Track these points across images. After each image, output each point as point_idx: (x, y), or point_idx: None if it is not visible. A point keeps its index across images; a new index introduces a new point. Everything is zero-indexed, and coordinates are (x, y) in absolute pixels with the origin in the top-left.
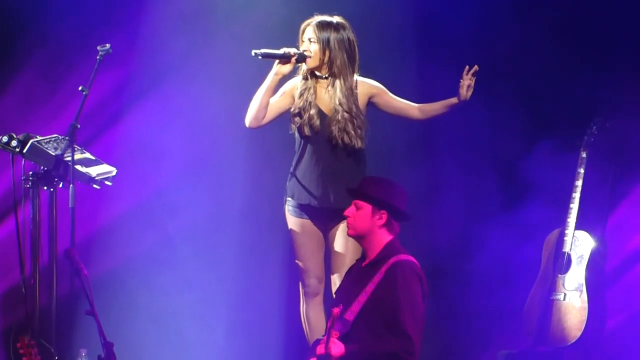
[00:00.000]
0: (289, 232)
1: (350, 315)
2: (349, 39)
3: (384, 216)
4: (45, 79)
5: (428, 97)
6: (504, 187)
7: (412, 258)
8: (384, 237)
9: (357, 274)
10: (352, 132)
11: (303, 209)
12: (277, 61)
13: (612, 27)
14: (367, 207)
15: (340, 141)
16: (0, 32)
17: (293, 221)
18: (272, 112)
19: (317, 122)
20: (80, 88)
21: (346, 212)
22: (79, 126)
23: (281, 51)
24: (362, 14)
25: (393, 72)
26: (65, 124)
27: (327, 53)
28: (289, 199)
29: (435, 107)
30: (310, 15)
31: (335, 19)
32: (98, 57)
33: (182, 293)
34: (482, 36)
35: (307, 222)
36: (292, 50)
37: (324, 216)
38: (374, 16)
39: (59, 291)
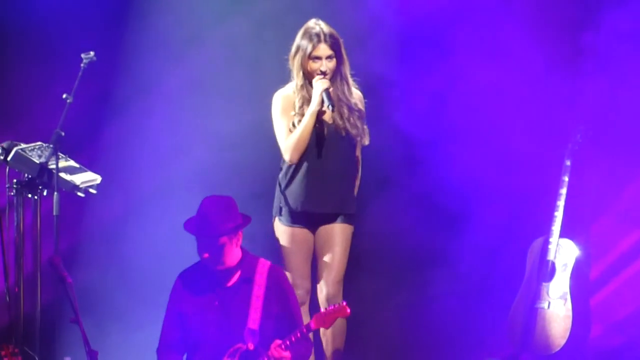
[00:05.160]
0: (278, 242)
1: (253, 324)
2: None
3: (240, 236)
4: (30, 86)
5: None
6: (488, 190)
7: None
8: (239, 251)
9: (225, 294)
10: (360, 126)
11: (295, 217)
12: (320, 103)
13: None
14: (224, 240)
15: (344, 132)
16: None
17: (283, 230)
18: None
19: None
20: (64, 96)
21: (206, 254)
22: (63, 133)
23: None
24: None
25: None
26: (49, 132)
27: (340, 63)
28: (280, 207)
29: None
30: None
31: (328, 26)
32: (82, 65)
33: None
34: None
35: (298, 230)
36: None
37: (318, 221)
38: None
39: (43, 299)
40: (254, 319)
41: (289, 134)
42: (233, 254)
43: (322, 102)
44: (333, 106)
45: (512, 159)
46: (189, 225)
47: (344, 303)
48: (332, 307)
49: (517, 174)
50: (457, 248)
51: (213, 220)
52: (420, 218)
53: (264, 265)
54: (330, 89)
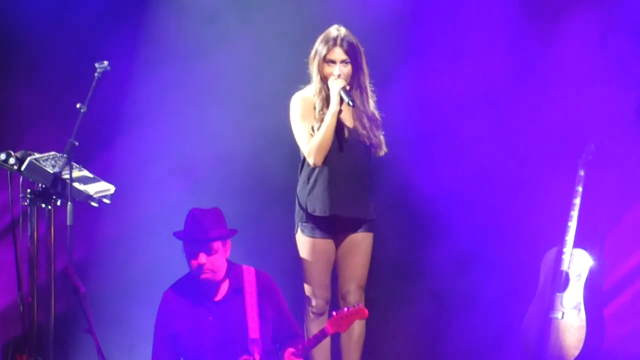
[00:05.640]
0: (299, 253)
1: (254, 334)
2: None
3: (229, 246)
4: (43, 96)
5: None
6: (502, 201)
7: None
8: (225, 262)
9: (218, 308)
10: (379, 136)
11: (320, 225)
12: (341, 101)
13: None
14: (218, 247)
15: (367, 141)
16: None
17: (305, 241)
18: None
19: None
20: (78, 105)
21: (200, 262)
22: (77, 143)
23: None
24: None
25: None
26: (63, 142)
27: (357, 71)
28: (304, 215)
29: None
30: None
31: (349, 32)
32: (96, 74)
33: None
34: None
35: (320, 241)
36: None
37: (342, 229)
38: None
39: (57, 309)
40: (253, 329)
41: (311, 137)
42: (223, 263)
43: (341, 101)
44: (353, 102)
45: (525, 169)
46: (180, 233)
47: (360, 305)
48: (348, 309)
49: (530, 184)
50: (468, 258)
51: (206, 225)
52: (432, 228)
53: (249, 273)
54: (347, 87)
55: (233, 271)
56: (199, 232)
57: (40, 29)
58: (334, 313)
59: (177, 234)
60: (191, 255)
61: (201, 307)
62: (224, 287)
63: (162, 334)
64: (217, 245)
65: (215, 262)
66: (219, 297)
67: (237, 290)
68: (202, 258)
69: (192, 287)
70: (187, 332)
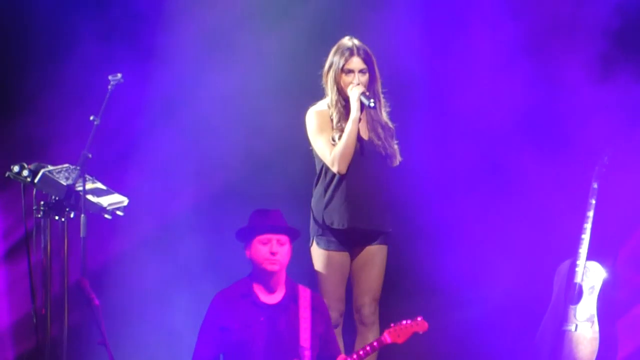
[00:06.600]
0: (314, 266)
1: (305, 342)
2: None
3: (291, 251)
4: (57, 108)
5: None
6: (516, 213)
7: None
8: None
9: (272, 310)
10: (393, 145)
11: (336, 238)
12: (361, 107)
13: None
14: (287, 241)
15: (383, 152)
16: (11, 62)
17: (320, 253)
18: None
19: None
20: (91, 118)
21: (272, 249)
22: (90, 155)
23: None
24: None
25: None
26: (76, 154)
27: (374, 80)
28: (320, 228)
29: None
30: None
31: (362, 42)
32: (109, 87)
33: (196, 323)
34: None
35: (334, 253)
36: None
37: (359, 241)
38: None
39: (71, 321)
40: (304, 338)
41: (332, 147)
42: (286, 264)
43: (362, 106)
44: (375, 104)
45: (539, 182)
46: (252, 223)
47: (420, 318)
48: (407, 321)
49: (544, 197)
50: (481, 270)
51: (280, 216)
52: (444, 241)
53: (305, 290)
54: (367, 93)
55: (290, 284)
56: (275, 220)
57: (55, 42)
58: (392, 324)
59: (243, 228)
60: (263, 244)
61: (254, 306)
62: (280, 294)
63: (210, 328)
64: (286, 240)
65: (283, 255)
66: (273, 302)
67: (292, 299)
68: (275, 246)
69: (247, 287)
70: (237, 328)
